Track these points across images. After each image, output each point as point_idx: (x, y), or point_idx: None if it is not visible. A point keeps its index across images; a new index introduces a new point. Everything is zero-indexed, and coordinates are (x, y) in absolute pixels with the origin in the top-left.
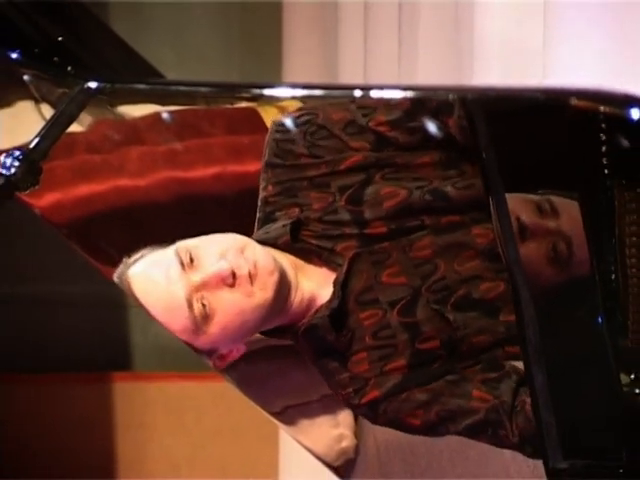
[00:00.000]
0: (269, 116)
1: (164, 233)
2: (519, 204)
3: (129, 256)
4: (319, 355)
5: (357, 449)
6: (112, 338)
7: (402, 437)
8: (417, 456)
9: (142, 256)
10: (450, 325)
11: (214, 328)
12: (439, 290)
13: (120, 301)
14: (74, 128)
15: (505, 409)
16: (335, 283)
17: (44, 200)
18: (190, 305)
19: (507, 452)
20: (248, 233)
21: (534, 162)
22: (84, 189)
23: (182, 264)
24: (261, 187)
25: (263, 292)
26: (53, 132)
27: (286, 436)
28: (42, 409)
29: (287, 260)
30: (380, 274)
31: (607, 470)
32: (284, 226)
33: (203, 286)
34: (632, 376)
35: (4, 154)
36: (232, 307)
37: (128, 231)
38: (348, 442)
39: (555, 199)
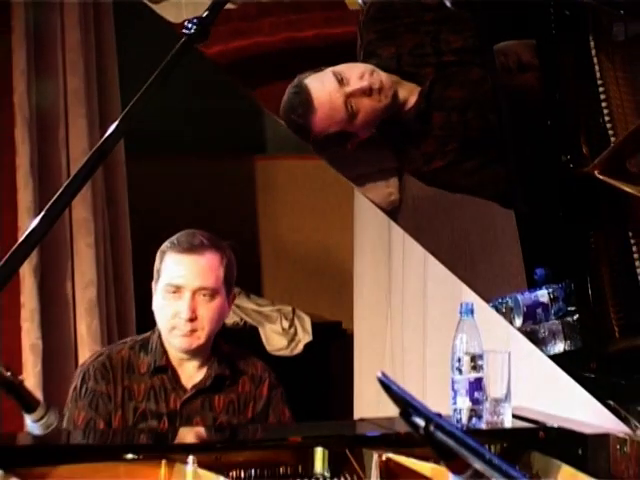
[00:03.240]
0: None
1: (280, 73)
2: (520, 46)
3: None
4: (401, 137)
5: (401, 200)
6: (253, 131)
7: (428, 191)
8: (438, 202)
9: (306, 76)
10: (487, 123)
11: (359, 120)
12: (478, 102)
13: (258, 109)
14: (229, 6)
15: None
16: (421, 94)
17: (212, 49)
18: (346, 106)
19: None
20: None
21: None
22: (236, 43)
23: (338, 81)
24: (364, 35)
25: (386, 99)
26: (216, 8)
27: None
28: (202, 182)
29: (393, 77)
30: (447, 90)
31: (551, 216)
32: (391, 57)
33: (352, 95)
34: (568, 156)
35: (187, 21)
36: (369, 107)
37: (265, 67)
38: (395, 196)
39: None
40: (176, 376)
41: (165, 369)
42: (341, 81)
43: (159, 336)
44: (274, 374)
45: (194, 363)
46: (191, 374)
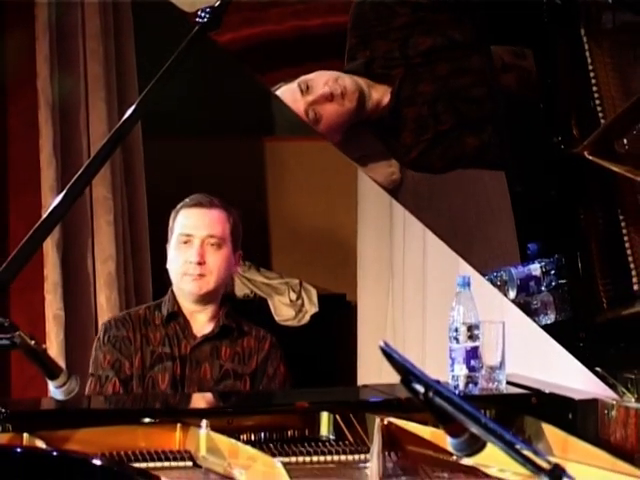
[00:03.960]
0: None
1: (286, 60)
2: (503, 50)
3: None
4: (381, 134)
5: (401, 180)
6: (263, 114)
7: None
8: (436, 181)
9: (281, 85)
10: (457, 114)
11: (323, 125)
12: (447, 95)
13: (267, 93)
14: None
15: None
16: (392, 93)
17: (224, 37)
18: (307, 114)
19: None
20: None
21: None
22: (246, 31)
23: (301, 91)
24: (348, 41)
25: (350, 103)
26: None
27: (363, 178)
28: (214, 161)
29: (364, 81)
30: (417, 87)
31: (543, 194)
32: (361, 63)
33: (314, 102)
34: (560, 138)
35: (200, 10)
36: (332, 112)
37: (273, 54)
38: (396, 176)
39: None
40: (188, 325)
41: (177, 315)
42: (305, 90)
43: (172, 291)
44: (275, 338)
45: (204, 315)
46: (201, 325)
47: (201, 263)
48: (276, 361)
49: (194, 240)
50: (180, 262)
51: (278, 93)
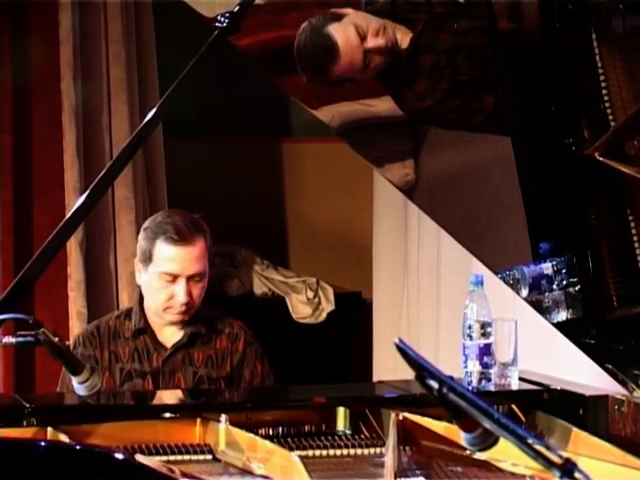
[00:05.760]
0: None
1: None
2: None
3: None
4: (396, 78)
5: (415, 180)
6: (280, 115)
7: (441, 171)
8: (449, 181)
9: (327, 23)
10: (476, 68)
11: (369, 71)
12: (467, 48)
13: (285, 95)
14: (258, 1)
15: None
16: (412, 37)
17: (242, 41)
18: (364, 59)
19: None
20: None
21: None
22: (265, 35)
23: (360, 37)
24: None
25: (392, 55)
26: (246, 3)
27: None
28: (234, 161)
29: (387, 22)
30: (438, 36)
31: (555, 194)
32: (387, 2)
33: (370, 50)
34: (571, 140)
35: (219, 15)
36: (379, 61)
37: (290, 58)
38: (411, 177)
39: None
40: (155, 337)
41: (144, 330)
42: (362, 37)
43: (139, 303)
44: (250, 332)
45: (172, 327)
46: (169, 335)
47: (188, 302)
48: (252, 361)
49: (180, 279)
50: (164, 297)
51: (331, 30)
